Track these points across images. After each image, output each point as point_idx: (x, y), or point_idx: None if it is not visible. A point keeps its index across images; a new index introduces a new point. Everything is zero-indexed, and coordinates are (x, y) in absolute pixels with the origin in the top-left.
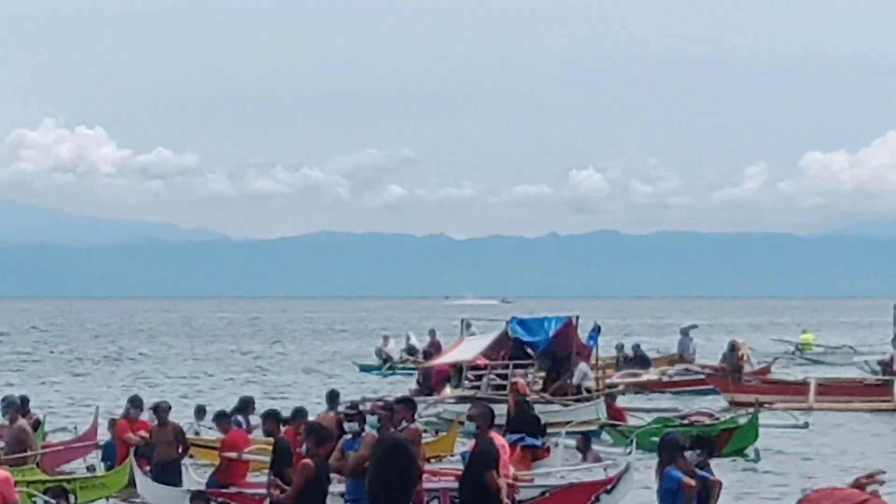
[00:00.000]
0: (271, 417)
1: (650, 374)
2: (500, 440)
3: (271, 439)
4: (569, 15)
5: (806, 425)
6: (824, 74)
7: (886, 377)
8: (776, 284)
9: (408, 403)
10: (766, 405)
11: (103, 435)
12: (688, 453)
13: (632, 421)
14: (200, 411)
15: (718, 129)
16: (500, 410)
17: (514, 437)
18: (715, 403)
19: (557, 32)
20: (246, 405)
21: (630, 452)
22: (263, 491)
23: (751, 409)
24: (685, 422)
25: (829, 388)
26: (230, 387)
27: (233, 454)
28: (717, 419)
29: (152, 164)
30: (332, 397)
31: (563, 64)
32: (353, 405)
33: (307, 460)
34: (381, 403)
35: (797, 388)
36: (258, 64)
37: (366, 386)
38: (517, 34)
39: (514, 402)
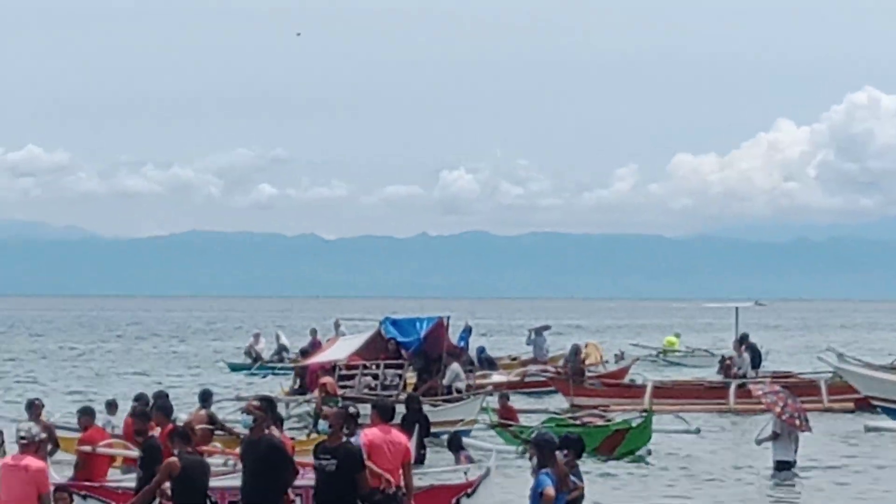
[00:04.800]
0: (142, 416)
1: (503, 376)
2: (385, 437)
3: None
4: (436, 15)
5: (698, 430)
6: (694, 77)
7: (725, 380)
8: (646, 286)
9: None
10: (603, 408)
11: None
12: (557, 453)
13: (523, 420)
14: (111, 406)
15: (588, 130)
16: (367, 410)
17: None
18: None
19: (426, 33)
20: (108, 406)
21: (523, 452)
22: (126, 484)
23: (644, 412)
24: (577, 422)
25: (666, 391)
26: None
27: (87, 448)
28: (610, 420)
29: (23, 162)
30: (205, 396)
31: (433, 65)
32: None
33: (173, 458)
34: (256, 403)
35: (636, 391)
36: (129, 62)
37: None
38: (385, 35)
39: (321, 400)
